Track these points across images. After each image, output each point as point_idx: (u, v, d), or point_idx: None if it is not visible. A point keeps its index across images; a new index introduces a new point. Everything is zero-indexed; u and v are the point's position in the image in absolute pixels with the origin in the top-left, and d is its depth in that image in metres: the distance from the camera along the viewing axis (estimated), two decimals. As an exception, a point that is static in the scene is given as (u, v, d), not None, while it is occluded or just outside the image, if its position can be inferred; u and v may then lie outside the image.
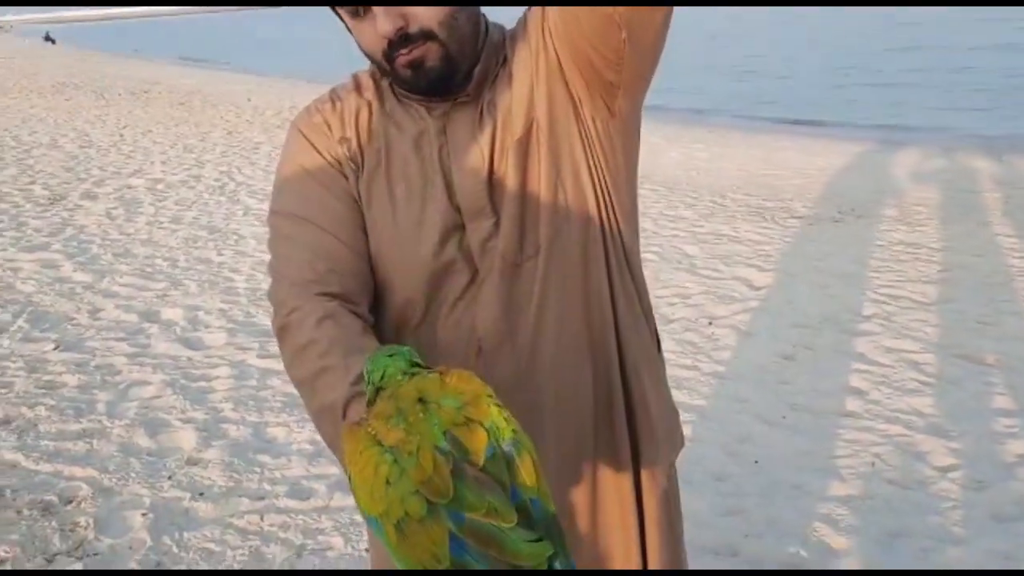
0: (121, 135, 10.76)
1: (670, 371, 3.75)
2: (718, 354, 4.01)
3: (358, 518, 2.69)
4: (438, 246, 1.09)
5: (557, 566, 0.71)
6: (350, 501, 2.79)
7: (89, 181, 8.03)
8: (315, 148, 1.12)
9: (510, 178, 1.08)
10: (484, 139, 1.09)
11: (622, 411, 1.16)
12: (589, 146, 1.10)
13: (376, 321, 1.13)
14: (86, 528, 2.64)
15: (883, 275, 4.99)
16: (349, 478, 0.79)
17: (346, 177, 1.12)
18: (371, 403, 0.84)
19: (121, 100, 14.27)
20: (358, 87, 1.16)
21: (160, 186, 7.85)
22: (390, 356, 0.85)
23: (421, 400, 0.78)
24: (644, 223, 6.16)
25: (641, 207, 6.50)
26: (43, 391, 3.65)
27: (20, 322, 4.46)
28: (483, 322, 1.10)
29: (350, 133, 1.12)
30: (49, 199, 7.30)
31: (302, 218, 1.10)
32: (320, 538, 2.62)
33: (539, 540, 0.71)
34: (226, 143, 10.15)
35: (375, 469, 0.75)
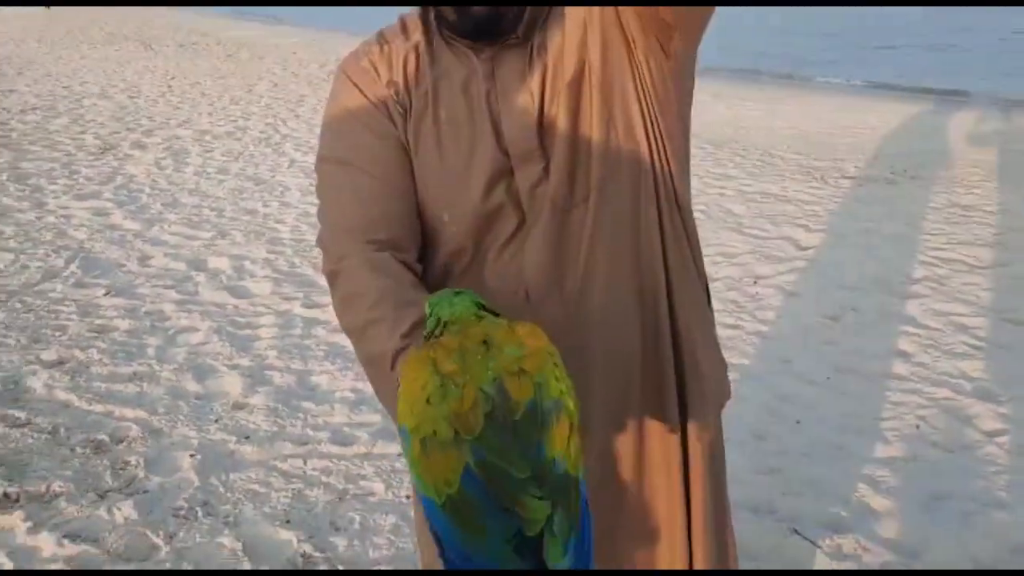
0: (169, 86, 10.85)
1: (713, 330, 3.76)
2: (762, 313, 3.97)
3: (399, 465, 2.74)
4: (486, 191, 1.08)
5: (554, 528, 0.74)
6: (392, 448, 2.83)
7: (138, 131, 8.13)
8: (362, 92, 1.11)
9: (561, 122, 1.06)
10: (534, 82, 1.07)
11: (670, 361, 1.15)
12: (642, 89, 1.07)
13: (423, 266, 1.13)
14: (136, 467, 2.72)
15: (935, 238, 4.88)
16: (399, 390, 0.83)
17: (394, 122, 1.10)
18: (429, 336, 0.86)
19: (169, 51, 14.37)
20: (405, 30, 1.14)
21: (207, 137, 7.93)
22: (456, 295, 0.87)
23: (486, 342, 0.81)
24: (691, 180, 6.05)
25: (691, 164, 6.48)
26: (95, 335, 3.74)
27: (73, 267, 4.56)
28: (531, 268, 1.09)
29: (397, 77, 1.11)
30: (100, 148, 7.41)
31: (350, 164, 1.10)
32: (362, 483, 2.66)
33: (541, 499, 0.74)
34: (271, 95, 10.19)
35: (422, 387, 0.78)
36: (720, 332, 3.75)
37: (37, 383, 3.27)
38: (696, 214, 4.78)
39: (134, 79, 11.42)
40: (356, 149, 1.10)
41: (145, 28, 18.19)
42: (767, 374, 3.39)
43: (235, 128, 8.34)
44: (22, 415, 3.02)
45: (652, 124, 1.09)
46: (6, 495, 2.55)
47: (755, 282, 4.33)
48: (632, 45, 1.06)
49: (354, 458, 2.80)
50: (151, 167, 6.78)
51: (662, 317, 1.14)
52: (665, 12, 1.01)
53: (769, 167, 6.65)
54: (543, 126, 1.07)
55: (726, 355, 3.60)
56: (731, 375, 3.30)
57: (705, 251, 4.69)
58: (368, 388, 3.28)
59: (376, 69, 1.12)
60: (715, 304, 4.06)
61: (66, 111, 9.11)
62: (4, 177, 6.41)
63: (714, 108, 9.19)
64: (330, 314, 3.75)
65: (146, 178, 6.45)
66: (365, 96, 1.11)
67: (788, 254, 4.72)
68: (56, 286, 4.32)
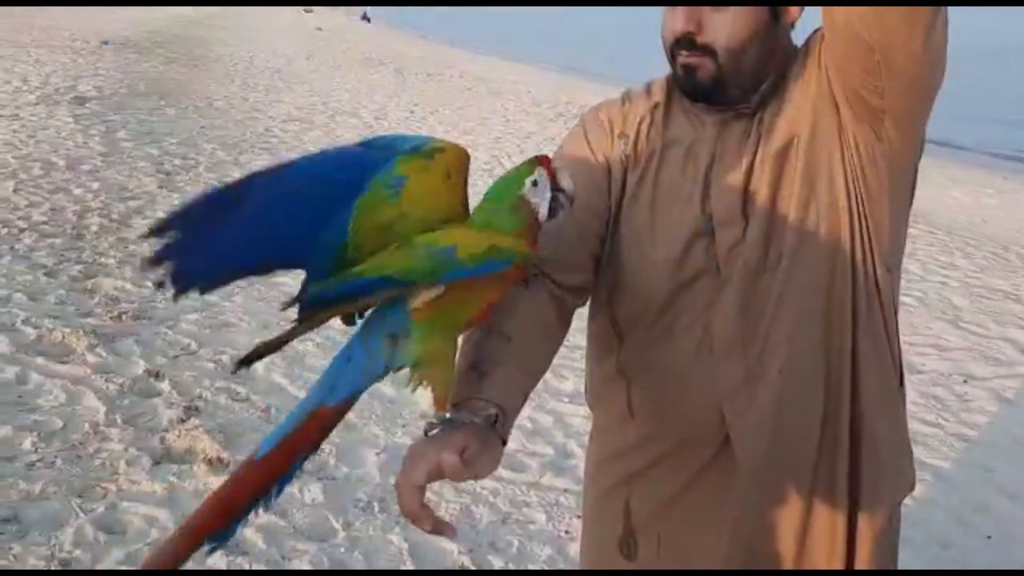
0: (412, 111, 11.68)
1: (909, 424, 3.56)
2: (968, 416, 3.72)
3: (563, 500, 2.83)
4: (686, 247, 1.16)
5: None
6: (558, 482, 2.93)
7: (378, 150, 8.81)
8: (588, 141, 1.24)
9: (763, 189, 1.13)
10: (747, 150, 1.14)
11: (846, 439, 1.15)
12: (851, 168, 1.11)
13: (612, 309, 1.22)
14: (328, 454, 2.99)
15: None
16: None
17: (611, 173, 1.22)
18: None
19: (418, 80, 15.45)
20: (649, 91, 1.25)
21: (438, 163, 8.45)
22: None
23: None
24: (910, 264, 5.77)
25: (910, 247, 6.08)
26: (314, 330, 4.12)
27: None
28: (718, 324, 1.15)
29: (630, 131, 1.22)
30: (343, 162, 8.10)
31: None
32: (525, 510, 2.78)
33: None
34: (502, 130, 10.70)
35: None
36: (917, 428, 3.57)
37: (259, 365, 3.66)
38: (910, 300, 4.56)
39: (383, 101, 12.38)
40: None
41: (400, 56, 19.65)
42: (963, 481, 3.18)
43: (464, 157, 8.83)
44: (243, 391, 3.40)
45: (856, 203, 1.11)
46: (219, 459, 2.89)
47: (965, 381, 4.06)
48: (844, 124, 1.11)
49: (522, 485, 2.92)
50: (384, 184, 7.32)
51: (843, 393, 1.15)
52: (873, 98, 1.05)
53: (1001, 262, 6.18)
54: (747, 192, 1.14)
55: (920, 452, 3.42)
56: (923, 476, 3.14)
57: (913, 339, 4.45)
58: (544, 420, 3.41)
59: (611, 123, 1.24)
60: (915, 397, 3.85)
61: (320, 125, 10.05)
62: (260, 178, 7.16)
63: (950, 193, 8.66)
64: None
65: (378, 194, 6.98)
66: (590, 146, 1.24)
67: (1008, 357, 4.38)
68: (288, 280, 4.79)
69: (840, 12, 1.00)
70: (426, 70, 17.24)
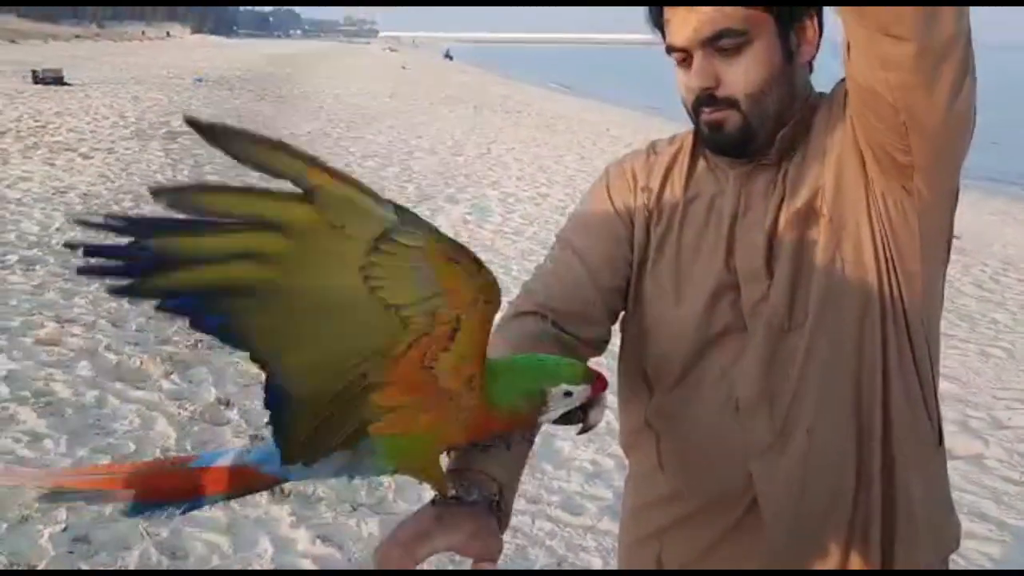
0: (488, 149, 11.84)
1: (991, 481, 3.41)
2: (1056, 475, 3.52)
3: (620, 545, 2.78)
4: (710, 302, 1.14)
5: None
6: (617, 527, 2.88)
7: (454, 186, 8.96)
8: (610, 193, 1.24)
9: (787, 245, 1.10)
10: (772, 204, 1.12)
11: (878, 498, 1.12)
12: (878, 223, 1.08)
13: (641, 361, 1.22)
14: (388, 489, 3.01)
15: None
16: None
17: (632, 223, 1.21)
18: None
19: (495, 117, 15.68)
20: (674, 143, 1.25)
21: (511, 199, 8.54)
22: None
23: None
24: (1000, 315, 5.56)
25: (1001, 296, 5.87)
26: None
27: (374, 300, 5.13)
28: (743, 380, 1.13)
29: (654, 184, 1.21)
30: (418, 197, 8.26)
31: (569, 246, 1.22)
32: (582, 555, 2.74)
33: None
34: (576, 167, 10.75)
35: None
36: (999, 486, 3.41)
37: (325, 397, 3.73)
38: (998, 351, 4.37)
39: (460, 138, 12.60)
40: (581, 236, 1.23)
41: (480, 93, 19.98)
42: (1048, 544, 3.01)
43: (537, 194, 8.91)
44: (308, 422, 3.46)
45: (885, 258, 1.08)
46: (282, 490, 2.94)
47: (1054, 438, 3.85)
48: (871, 179, 1.08)
49: (579, 528, 2.89)
50: (457, 221, 7.44)
51: (875, 453, 1.12)
52: (901, 155, 1.02)
53: (1100, 312, 5.87)
54: (772, 248, 1.11)
55: (999, 511, 3.27)
56: (1000, 535, 2.99)
57: (1001, 393, 4.25)
58: (606, 463, 3.37)
59: (634, 175, 1.24)
60: (999, 453, 3.69)
61: (398, 161, 10.27)
62: (338, 212, 7.35)
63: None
64: (585, 385, 3.89)
65: (451, 229, 7.08)
66: (611, 199, 1.23)
67: (1103, 414, 4.14)
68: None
69: (859, 73, 0.98)
70: (505, 107, 17.48)
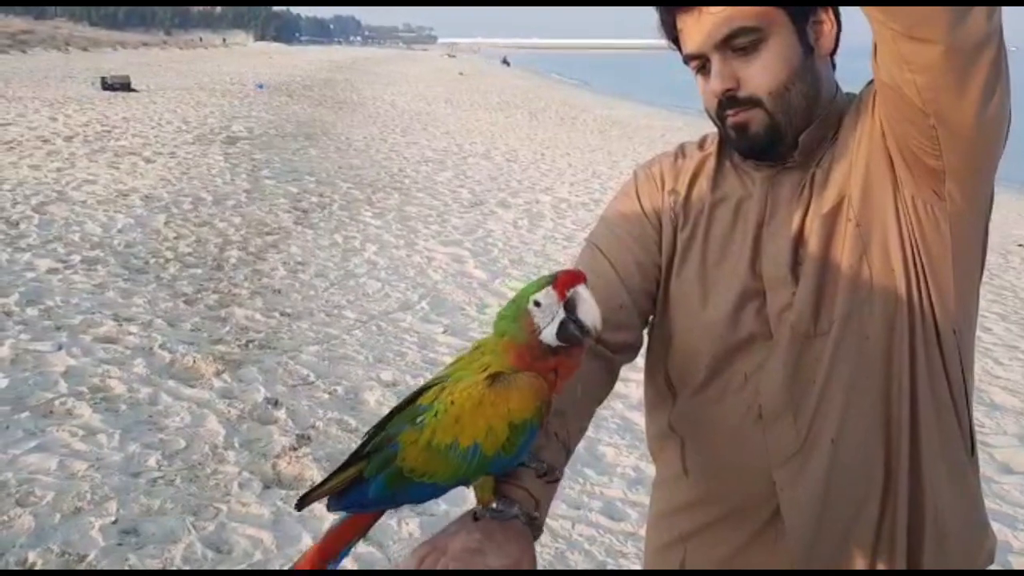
0: (542, 154, 11.84)
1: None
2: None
3: (661, 553, 2.75)
4: (736, 308, 1.12)
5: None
6: (658, 535, 2.85)
7: (507, 191, 8.98)
8: (638, 195, 1.23)
9: (812, 252, 1.08)
10: (798, 210, 1.10)
11: (904, 510, 1.09)
12: (907, 229, 1.05)
13: (666, 366, 1.20)
14: (430, 491, 3.02)
15: None
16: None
17: (661, 228, 1.19)
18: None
19: (550, 123, 15.69)
20: (702, 146, 1.23)
21: (563, 205, 8.53)
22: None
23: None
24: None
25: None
26: (428, 365, 4.21)
27: (423, 304, 5.17)
28: (766, 387, 1.11)
29: (680, 187, 1.20)
30: (471, 202, 8.30)
31: (599, 249, 1.21)
32: (622, 561, 2.72)
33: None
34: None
35: None
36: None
37: (371, 398, 3.77)
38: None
39: (515, 144, 12.64)
40: (610, 241, 1.22)
41: (535, 99, 20.01)
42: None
43: (590, 200, 8.88)
44: (354, 422, 3.50)
45: (914, 265, 1.05)
46: (325, 487, 2.97)
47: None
48: (900, 183, 1.05)
49: (619, 534, 2.86)
50: (509, 225, 7.45)
51: (902, 464, 1.08)
52: (931, 160, 0.99)
53: None
54: (798, 253, 1.09)
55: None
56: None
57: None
58: (649, 469, 3.33)
59: (662, 177, 1.22)
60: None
61: (452, 166, 10.34)
62: (391, 216, 7.44)
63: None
64: (631, 388, 3.86)
65: (502, 234, 7.11)
66: (639, 202, 1.22)
67: None
68: (407, 317, 4.93)
69: (886, 74, 0.95)
70: (560, 113, 17.48)
